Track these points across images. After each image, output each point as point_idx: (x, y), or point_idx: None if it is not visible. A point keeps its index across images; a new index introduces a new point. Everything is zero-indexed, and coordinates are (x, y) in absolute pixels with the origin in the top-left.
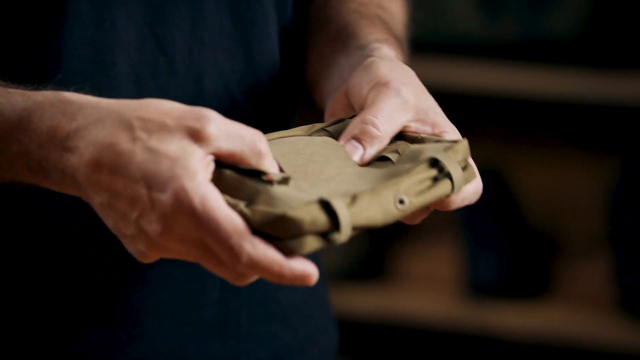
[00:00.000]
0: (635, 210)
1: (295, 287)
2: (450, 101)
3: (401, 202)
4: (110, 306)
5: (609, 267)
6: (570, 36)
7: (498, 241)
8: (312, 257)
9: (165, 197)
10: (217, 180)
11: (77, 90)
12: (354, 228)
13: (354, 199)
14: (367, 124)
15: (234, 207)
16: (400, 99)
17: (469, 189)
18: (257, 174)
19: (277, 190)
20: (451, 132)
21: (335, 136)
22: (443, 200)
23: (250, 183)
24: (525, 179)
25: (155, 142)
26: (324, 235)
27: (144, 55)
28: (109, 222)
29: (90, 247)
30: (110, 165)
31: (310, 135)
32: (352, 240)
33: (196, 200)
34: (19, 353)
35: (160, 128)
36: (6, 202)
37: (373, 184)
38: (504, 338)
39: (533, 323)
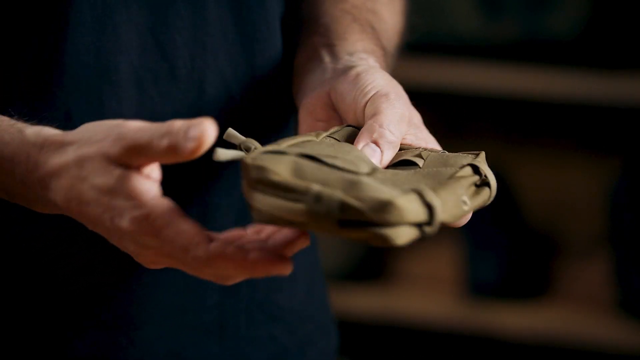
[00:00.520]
0: (635, 211)
1: (295, 290)
2: (450, 101)
3: (464, 202)
4: (107, 310)
5: (608, 267)
6: (570, 37)
7: (498, 241)
8: (312, 256)
9: (124, 224)
10: (298, 172)
11: (81, 99)
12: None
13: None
14: (384, 128)
15: (330, 196)
16: (400, 110)
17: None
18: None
19: (368, 180)
20: (438, 148)
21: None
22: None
23: (338, 174)
24: (525, 179)
25: (93, 180)
26: (418, 226)
27: (145, 61)
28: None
29: (82, 251)
30: (78, 203)
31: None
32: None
33: (151, 220)
34: (15, 358)
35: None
36: None
37: (420, 183)
38: (504, 338)
39: (533, 323)
